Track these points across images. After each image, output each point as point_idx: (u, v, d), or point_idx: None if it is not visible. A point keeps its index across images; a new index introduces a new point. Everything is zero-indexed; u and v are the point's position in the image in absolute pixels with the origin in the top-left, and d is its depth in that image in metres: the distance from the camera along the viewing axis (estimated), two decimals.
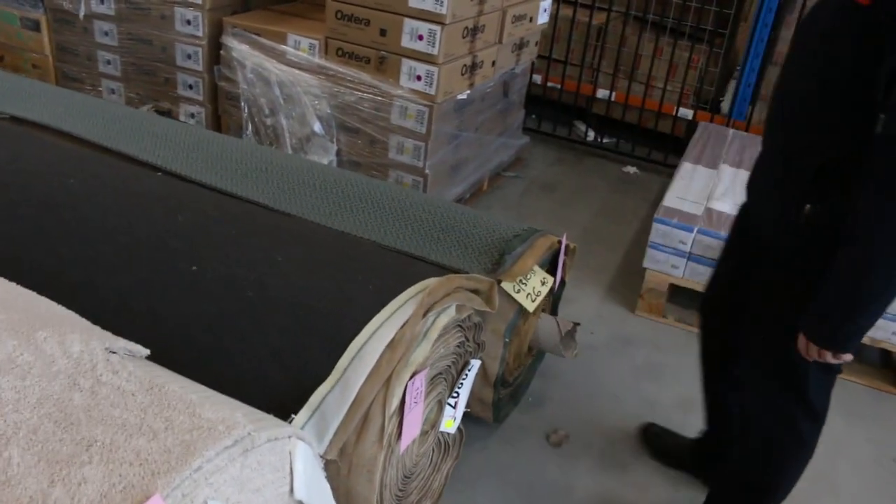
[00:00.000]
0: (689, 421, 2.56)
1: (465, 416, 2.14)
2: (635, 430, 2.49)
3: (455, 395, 1.99)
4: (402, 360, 1.61)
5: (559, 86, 4.72)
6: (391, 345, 1.63)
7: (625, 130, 4.61)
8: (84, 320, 1.56)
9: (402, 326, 1.66)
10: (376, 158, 3.42)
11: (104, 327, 1.56)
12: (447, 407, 1.98)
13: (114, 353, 1.42)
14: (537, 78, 4.72)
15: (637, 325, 3.02)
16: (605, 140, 4.71)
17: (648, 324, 3.04)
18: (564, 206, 3.89)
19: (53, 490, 1.12)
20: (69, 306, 1.60)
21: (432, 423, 1.94)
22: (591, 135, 4.75)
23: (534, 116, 4.70)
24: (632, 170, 4.44)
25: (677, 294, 3.10)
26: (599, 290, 3.21)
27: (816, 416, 1.81)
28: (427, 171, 3.35)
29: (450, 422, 2.01)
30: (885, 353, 3.00)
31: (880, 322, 2.79)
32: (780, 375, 1.77)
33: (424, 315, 1.70)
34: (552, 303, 2.59)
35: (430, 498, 2.05)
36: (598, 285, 3.24)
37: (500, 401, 2.30)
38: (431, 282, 1.81)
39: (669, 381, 2.74)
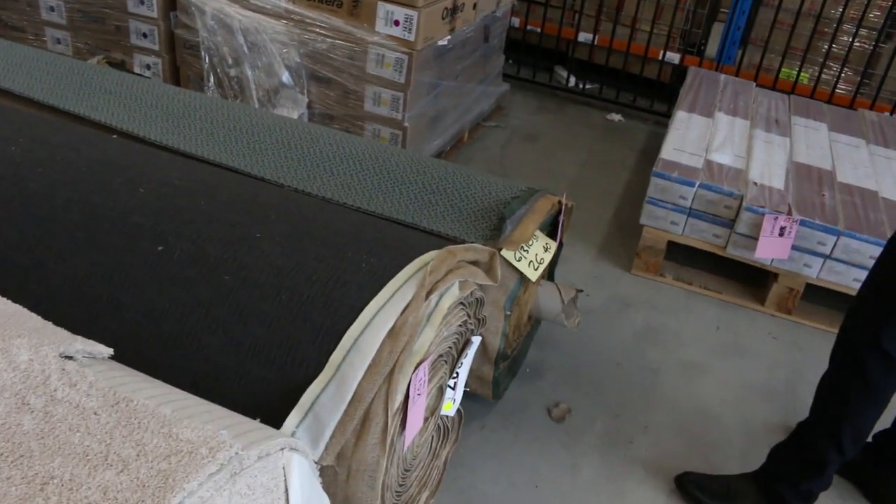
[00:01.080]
0: (696, 389, 2.41)
1: (464, 394, 1.97)
2: (641, 398, 2.33)
3: (455, 375, 1.80)
4: (406, 350, 1.42)
5: (539, 30, 4.48)
6: (392, 333, 1.43)
7: (607, 76, 4.38)
8: (34, 317, 1.33)
9: (402, 312, 1.46)
10: (351, 111, 3.19)
11: (57, 322, 1.34)
12: (447, 389, 1.79)
13: (70, 358, 1.21)
14: (515, 21, 4.46)
15: (634, 286, 2.85)
16: (587, 86, 4.48)
17: (645, 283, 2.87)
18: (549, 157, 3.69)
19: None
20: (14, 299, 1.37)
21: (432, 409, 1.75)
22: (573, 81, 4.53)
23: (511, 62, 4.46)
24: (616, 117, 4.24)
25: (674, 251, 2.93)
26: (592, 248, 3.03)
27: (891, 363, 1.72)
28: (406, 123, 3.12)
29: (449, 404, 1.83)
30: None
31: None
32: (857, 319, 1.79)
33: (427, 297, 1.50)
34: (550, 266, 2.40)
35: (429, 487, 1.87)
36: (590, 243, 3.06)
37: (500, 376, 2.12)
38: (432, 257, 1.61)
39: (670, 345, 2.58)
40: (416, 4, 2.94)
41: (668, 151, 2.92)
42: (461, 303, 1.68)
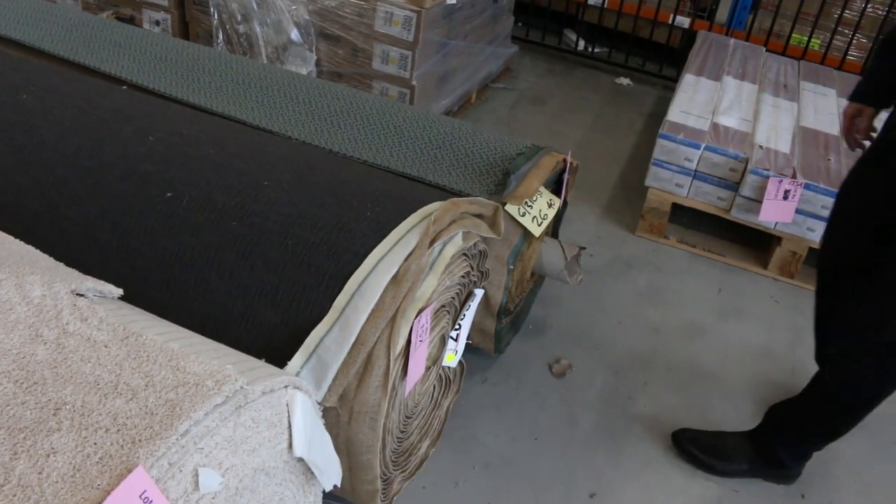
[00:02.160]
0: (695, 349, 2.45)
1: (465, 347, 2.00)
2: (642, 356, 2.37)
3: (457, 327, 1.84)
4: (408, 295, 1.45)
5: None
6: (395, 279, 1.46)
7: (617, 40, 4.37)
8: (46, 257, 1.37)
9: (406, 258, 1.49)
10: (359, 69, 3.19)
11: (69, 264, 1.38)
12: (449, 340, 1.83)
13: (81, 295, 1.24)
14: None
15: (638, 247, 2.87)
16: (595, 50, 4.47)
17: (649, 245, 2.89)
18: (556, 120, 3.70)
19: (17, 463, 0.95)
20: (27, 241, 1.41)
21: (434, 358, 1.79)
22: (582, 44, 4.52)
23: (520, 24, 4.44)
24: (625, 81, 4.23)
25: (678, 213, 2.95)
26: (597, 209, 3.05)
27: None
28: (414, 82, 3.13)
29: (451, 355, 1.86)
30: None
31: None
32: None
33: (430, 245, 1.52)
34: (554, 224, 2.42)
35: (430, 436, 1.92)
36: (595, 204, 3.08)
37: (502, 330, 2.15)
38: (436, 207, 1.63)
39: (672, 305, 2.61)
40: None
41: (674, 114, 2.92)
42: (464, 254, 1.71)
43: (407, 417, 1.74)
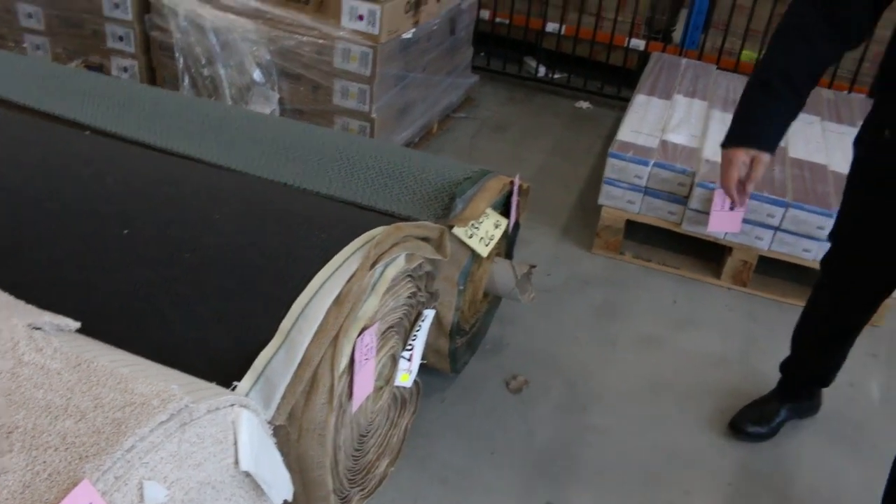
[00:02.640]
0: (651, 359, 2.54)
1: (422, 367, 2.09)
2: (597, 369, 2.46)
3: (409, 347, 1.92)
4: (350, 315, 1.53)
5: (507, 21, 4.60)
6: (337, 301, 1.55)
7: (576, 65, 4.50)
8: (5, 294, 1.45)
9: (348, 281, 1.58)
10: (320, 105, 3.30)
11: (31, 302, 1.46)
12: (401, 360, 1.91)
13: (38, 329, 1.33)
14: (484, 14, 4.58)
15: (594, 264, 2.97)
16: (556, 76, 4.60)
17: (605, 262, 2.99)
18: (517, 146, 3.81)
19: None
20: None
21: (386, 378, 1.87)
22: (542, 71, 4.65)
23: (483, 54, 4.57)
24: (585, 105, 4.36)
25: (634, 230, 3.05)
26: (555, 230, 3.15)
27: None
28: (374, 115, 3.23)
29: (405, 375, 1.94)
30: None
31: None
32: None
33: (372, 267, 1.61)
34: (507, 246, 2.52)
35: (388, 455, 1.99)
36: (553, 226, 3.18)
37: (457, 350, 2.24)
38: (378, 232, 1.73)
39: (628, 319, 2.70)
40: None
41: (624, 133, 3.04)
42: (409, 275, 1.80)
43: (361, 435, 1.82)
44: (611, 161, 2.89)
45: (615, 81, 4.41)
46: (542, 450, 2.16)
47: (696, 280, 2.96)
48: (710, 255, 3.01)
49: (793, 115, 1.80)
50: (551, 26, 4.53)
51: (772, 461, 2.22)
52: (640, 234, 3.10)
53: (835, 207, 2.71)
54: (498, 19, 4.62)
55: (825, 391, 2.36)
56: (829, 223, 2.71)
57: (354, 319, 1.55)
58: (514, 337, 2.55)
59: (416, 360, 1.97)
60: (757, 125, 1.81)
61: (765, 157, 1.82)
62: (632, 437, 2.24)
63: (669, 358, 2.55)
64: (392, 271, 1.68)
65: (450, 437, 2.16)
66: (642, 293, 2.84)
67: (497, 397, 2.31)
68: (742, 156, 1.82)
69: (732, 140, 1.84)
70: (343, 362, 1.52)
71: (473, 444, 2.14)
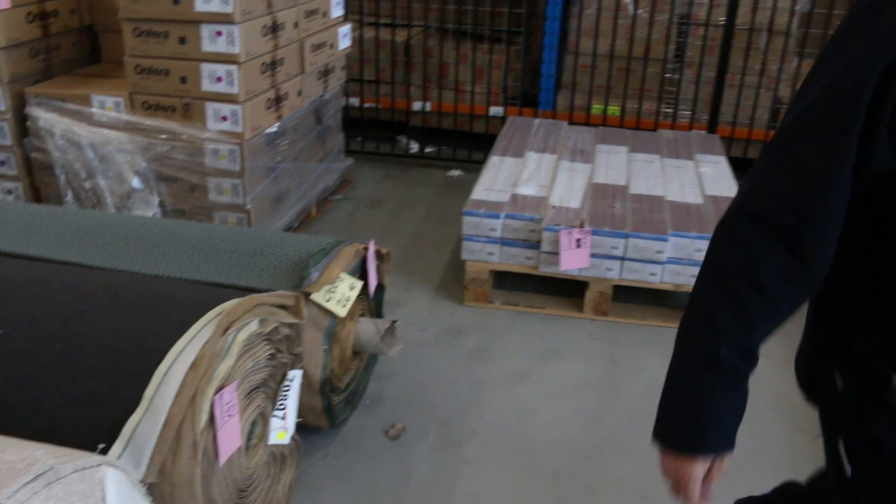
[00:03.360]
0: (521, 392, 2.76)
1: (302, 425, 2.27)
2: (471, 408, 2.67)
3: (280, 406, 2.11)
4: (205, 377, 1.72)
5: (376, 105, 4.91)
6: (194, 365, 1.74)
7: (446, 136, 4.83)
8: None
9: (203, 347, 1.77)
10: (198, 203, 3.51)
11: None
12: (275, 419, 2.09)
13: None
14: (355, 101, 4.89)
15: (466, 315, 3.21)
16: (428, 149, 4.92)
17: (477, 311, 3.23)
18: (393, 218, 4.07)
19: None
20: None
21: (260, 436, 2.05)
22: (415, 147, 4.96)
23: (359, 139, 4.86)
24: (456, 173, 4.66)
25: (502, 278, 3.31)
26: (428, 289, 3.39)
27: None
28: (249, 206, 3.45)
29: (281, 433, 2.13)
30: None
31: (677, 268, 3.07)
32: None
33: (224, 333, 1.81)
34: (375, 307, 2.74)
35: None
36: (426, 285, 3.41)
37: (335, 407, 2.43)
38: (231, 303, 1.93)
39: (498, 360, 2.93)
40: (239, 100, 3.31)
41: (478, 192, 3.32)
42: (266, 338, 2.00)
43: (240, 490, 1.98)
44: (466, 219, 3.15)
45: (482, 147, 4.73)
46: (421, 486, 2.34)
47: (562, 316, 3.21)
48: (571, 291, 3.28)
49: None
50: (417, 105, 4.86)
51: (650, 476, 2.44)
52: (508, 282, 3.35)
53: (670, 233, 3.02)
54: (367, 104, 4.93)
55: None
56: (665, 247, 3.02)
57: (210, 380, 1.74)
58: (393, 390, 2.75)
59: (292, 419, 2.15)
60: (717, 423, 1.25)
61: (729, 455, 1.28)
62: (504, 465, 2.44)
63: (537, 388, 2.78)
64: (244, 335, 1.88)
65: (333, 486, 2.33)
66: (511, 335, 3.08)
67: (377, 446, 2.49)
68: (701, 465, 1.26)
69: (684, 445, 1.27)
70: (202, 419, 1.70)
71: (355, 491, 2.32)
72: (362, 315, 2.60)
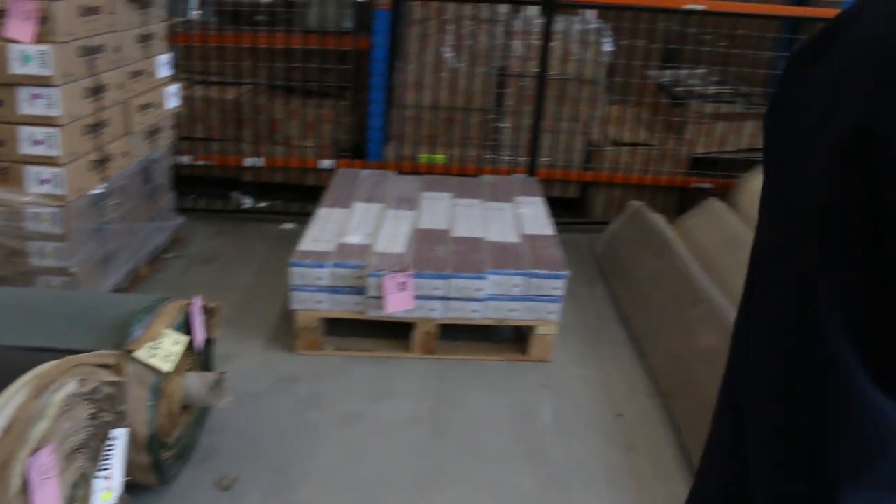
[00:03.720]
0: (352, 432, 2.86)
1: (133, 483, 2.29)
2: (303, 452, 2.74)
3: (104, 466, 2.13)
4: (18, 440, 1.74)
5: (209, 162, 4.95)
6: (7, 430, 1.75)
7: (278, 191, 4.92)
8: None
9: (15, 411, 1.79)
10: (19, 268, 3.44)
11: None
12: (99, 480, 2.11)
13: None
14: (187, 159, 4.91)
15: (299, 363, 3.29)
16: (261, 204, 4.99)
17: (309, 359, 3.32)
18: (226, 273, 4.11)
19: None
20: None
21: (83, 498, 2.06)
22: (248, 202, 5.02)
23: (192, 196, 4.88)
24: (289, 226, 4.75)
25: (334, 325, 3.41)
26: (261, 340, 3.45)
27: None
28: (74, 269, 3.41)
29: (107, 494, 2.14)
30: (515, 329, 3.51)
31: (497, 304, 3.27)
32: None
33: (38, 396, 1.83)
34: (204, 361, 2.78)
35: None
36: (259, 337, 3.48)
37: (164, 462, 2.45)
38: (47, 366, 1.95)
39: (330, 404, 3.03)
40: (60, 162, 3.30)
41: (305, 244, 3.43)
42: (87, 398, 2.02)
43: None
44: (292, 270, 3.25)
45: (315, 199, 4.83)
46: None
47: (392, 357, 3.35)
48: (400, 332, 3.42)
49: None
50: (249, 160, 4.93)
51: None
52: (341, 329, 3.46)
53: (488, 271, 3.22)
54: (200, 161, 4.96)
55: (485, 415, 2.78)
56: (484, 285, 3.22)
57: (24, 443, 1.76)
58: (226, 441, 2.79)
59: (118, 478, 2.17)
60: None
61: None
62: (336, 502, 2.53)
63: (368, 428, 2.90)
64: (59, 396, 1.90)
65: None
66: (343, 379, 3.19)
67: (209, 498, 2.53)
68: None
69: None
70: (15, 483, 1.72)
71: None
72: (190, 370, 2.64)
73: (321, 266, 3.25)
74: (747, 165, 4.70)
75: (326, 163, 4.88)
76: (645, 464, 2.83)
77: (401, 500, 2.56)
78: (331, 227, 3.63)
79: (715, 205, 4.36)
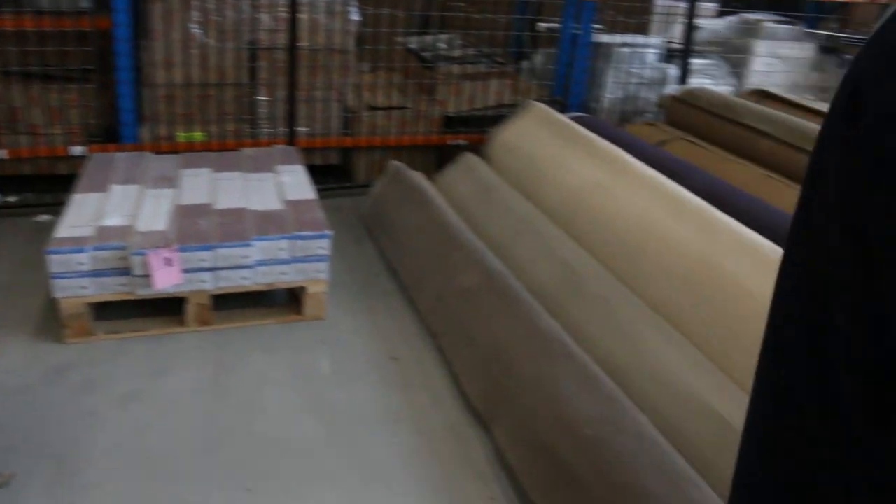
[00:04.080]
0: (135, 412, 2.86)
1: None
2: (83, 437, 2.71)
3: None
4: None
5: None
6: None
7: (28, 183, 4.68)
8: None
9: None
10: None
11: None
12: None
13: None
14: None
15: (70, 352, 3.21)
16: (10, 199, 4.72)
17: (80, 347, 3.25)
18: None
19: None
20: None
21: None
22: None
23: None
24: (45, 217, 4.54)
25: (106, 309, 3.34)
26: (26, 335, 3.33)
27: None
28: None
29: None
30: (289, 291, 3.61)
31: (266, 269, 3.35)
32: None
33: None
34: None
35: None
36: (23, 333, 3.35)
37: None
38: None
39: (107, 388, 2.99)
40: None
41: (62, 231, 3.33)
42: None
43: None
44: (51, 257, 3.16)
45: (69, 188, 4.63)
46: None
47: (168, 334, 3.35)
48: (174, 308, 3.41)
49: None
50: None
51: None
52: (112, 312, 3.40)
53: (253, 238, 3.28)
54: None
55: None
56: (250, 252, 3.28)
57: None
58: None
59: None
60: None
61: None
62: (124, 480, 2.54)
63: (149, 405, 2.90)
64: None
65: None
66: (119, 361, 3.16)
67: None
68: None
69: None
70: None
71: None
72: None
73: (81, 251, 3.18)
74: (496, 121, 5.01)
75: (78, 149, 4.69)
76: (423, 397, 3.04)
77: (190, 466, 2.61)
78: (88, 212, 3.54)
79: (469, 159, 4.65)
